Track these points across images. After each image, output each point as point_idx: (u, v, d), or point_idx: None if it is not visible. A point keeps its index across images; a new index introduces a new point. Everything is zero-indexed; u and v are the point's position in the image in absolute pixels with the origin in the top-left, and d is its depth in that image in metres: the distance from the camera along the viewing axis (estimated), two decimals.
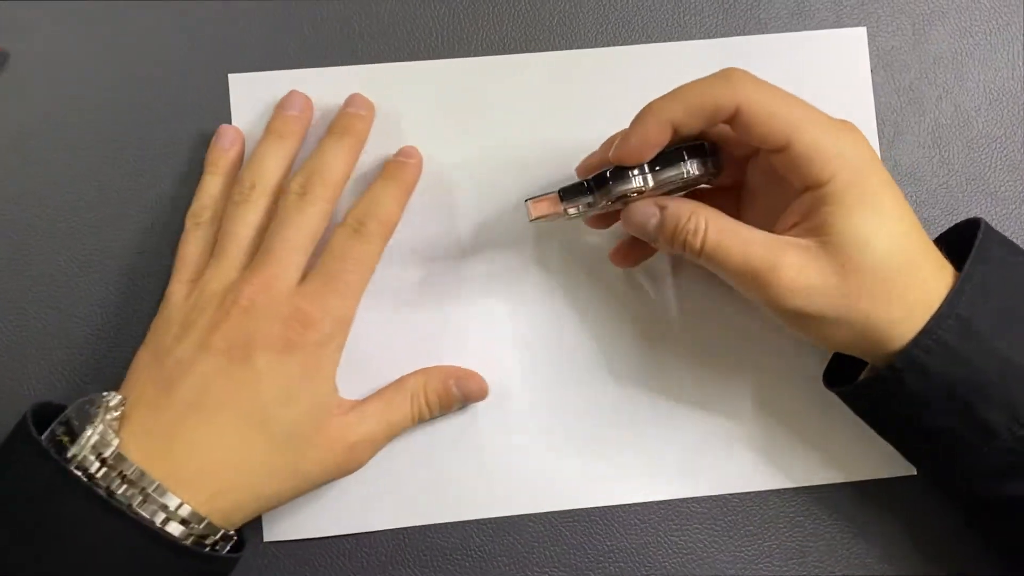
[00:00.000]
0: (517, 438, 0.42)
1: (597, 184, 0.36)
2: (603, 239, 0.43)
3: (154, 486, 0.33)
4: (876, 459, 0.42)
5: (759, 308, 0.38)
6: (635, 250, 0.41)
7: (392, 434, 0.40)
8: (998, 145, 0.44)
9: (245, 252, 0.39)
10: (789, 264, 0.34)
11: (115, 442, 0.34)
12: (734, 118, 0.34)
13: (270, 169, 0.40)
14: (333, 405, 0.38)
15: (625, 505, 0.42)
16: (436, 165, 0.43)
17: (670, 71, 0.42)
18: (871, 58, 0.44)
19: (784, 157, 0.34)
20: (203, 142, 0.42)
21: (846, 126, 0.35)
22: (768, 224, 0.36)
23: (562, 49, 0.43)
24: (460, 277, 0.42)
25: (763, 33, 0.44)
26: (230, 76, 0.43)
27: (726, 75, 0.35)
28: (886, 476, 0.42)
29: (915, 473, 0.42)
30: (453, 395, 0.40)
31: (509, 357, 0.42)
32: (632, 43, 0.44)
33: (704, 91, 0.34)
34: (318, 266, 0.38)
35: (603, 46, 0.43)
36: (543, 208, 0.37)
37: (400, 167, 0.41)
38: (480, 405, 0.42)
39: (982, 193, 0.44)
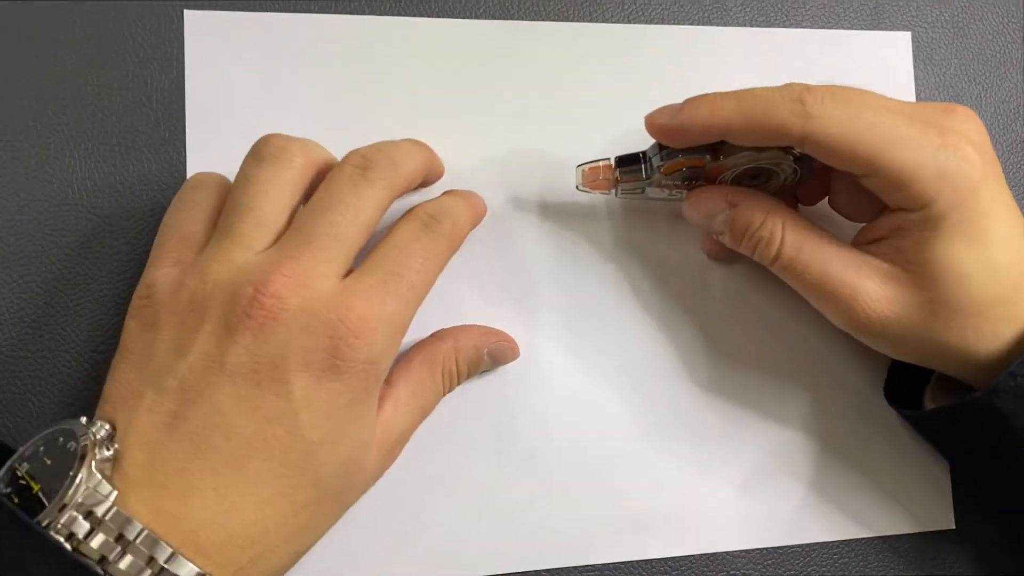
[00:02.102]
0: (533, 485, 0.34)
1: (656, 152, 0.31)
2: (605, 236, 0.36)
3: (167, 555, 0.24)
4: (912, 515, 0.37)
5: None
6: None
7: (423, 419, 0.32)
8: None
9: (265, 230, 0.28)
10: (870, 291, 0.30)
11: (112, 495, 0.24)
12: (803, 144, 0.29)
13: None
14: (376, 412, 0.29)
15: (653, 560, 0.35)
16: (434, 135, 0.35)
17: (700, 57, 0.38)
18: (911, 52, 0.40)
19: (871, 182, 0.30)
20: (145, 93, 0.33)
21: (951, 136, 0.29)
22: (852, 214, 0.32)
23: (582, 21, 0.37)
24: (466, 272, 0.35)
25: (803, 27, 0.39)
26: (186, 12, 0.34)
27: (797, 96, 0.29)
28: (921, 531, 0.38)
29: (952, 527, 0.38)
30: (484, 363, 0.33)
31: (511, 390, 0.35)
32: (661, 23, 0.38)
33: (772, 107, 0.29)
34: (373, 260, 0.28)
35: (635, 23, 0.38)
36: (592, 176, 0.32)
37: (472, 196, 0.33)
38: (489, 437, 0.34)
39: (1022, 201, 0.41)
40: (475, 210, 0.33)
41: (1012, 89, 0.41)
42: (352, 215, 0.28)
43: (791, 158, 0.31)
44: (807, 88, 0.29)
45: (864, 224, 0.32)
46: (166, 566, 0.23)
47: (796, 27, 0.39)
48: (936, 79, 0.40)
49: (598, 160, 0.32)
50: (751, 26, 0.39)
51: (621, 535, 0.35)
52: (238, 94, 0.34)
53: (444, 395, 0.32)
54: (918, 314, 0.30)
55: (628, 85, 0.37)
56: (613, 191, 0.33)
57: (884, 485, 0.37)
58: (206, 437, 0.25)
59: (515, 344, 0.34)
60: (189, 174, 0.33)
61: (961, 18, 0.41)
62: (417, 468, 0.33)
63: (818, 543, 0.37)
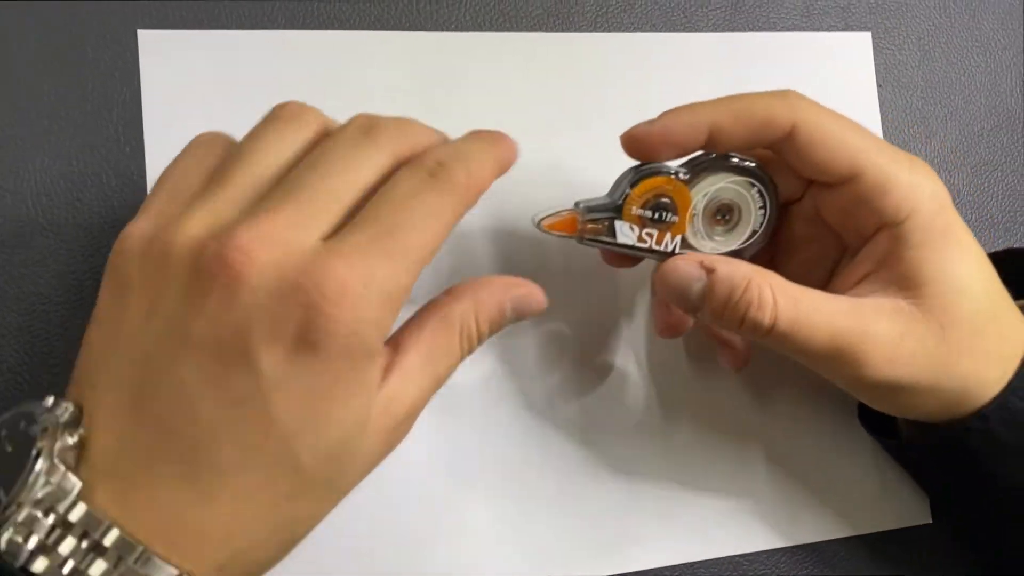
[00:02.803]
0: (515, 503, 0.34)
1: (620, 183, 0.30)
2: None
3: (136, 554, 0.21)
4: (888, 511, 0.38)
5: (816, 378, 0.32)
6: (681, 317, 0.33)
7: (437, 389, 0.27)
8: (1000, 173, 0.42)
9: (258, 189, 0.24)
10: (883, 333, 0.28)
11: (75, 488, 0.21)
12: (789, 140, 0.28)
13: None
14: (376, 388, 0.25)
15: (640, 572, 0.35)
16: None
17: (671, 62, 0.38)
18: (878, 72, 0.40)
19: (851, 189, 0.29)
20: (105, 105, 0.32)
21: (914, 158, 0.30)
22: (814, 284, 0.30)
23: (555, 31, 0.37)
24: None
25: (770, 31, 0.39)
26: (139, 32, 0.33)
27: (781, 92, 0.29)
28: (900, 527, 0.38)
29: (930, 522, 0.38)
30: (506, 319, 0.28)
31: (502, 414, 0.34)
32: (633, 31, 0.38)
33: (756, 101, 0.29)
34: (364, 215, 0.24)
35: (601, 31, 0.37)
36: (553, 217, 0.30)
37: (499, 138, 0.28)
38: (472, 467, 0.34)
39: (987, 223, 0.41)
40: (500, 156, 0.27)
41: (976, 112, 0.42)
42: (348, 173, 0.24)
43: (756, 188, 0.30)
44: (787, 89, 0.29)
45: (841, 271, 0.31)
46: (134, 567, 0.21)
47: (760, 31, 0.39)
48: (903, 101, 0.41)
49: (560, 210, 0.30)
50: (716, 31, 0.39)
51: (604, 548, 0.35)
52: (197, 110, 0.33)
53: (462, 360, 0.28)
54: (932, 345, 0.28)
55: (595, 94, 0.37)
56: (576, 236, 0.30)
57: (859, 483, 0.37)
58: (172, 420, 0.22)
59: (540, 293, 0.29)
60: (149, 190, 0.32)
61: (926, 41, 0.42)
62: (394, 486, 0.33)
63: (794, 546, 0.37)
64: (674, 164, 0.30)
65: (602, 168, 0.36)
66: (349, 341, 0.23)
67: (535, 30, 0.37)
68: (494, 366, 0.34)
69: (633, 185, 0.29)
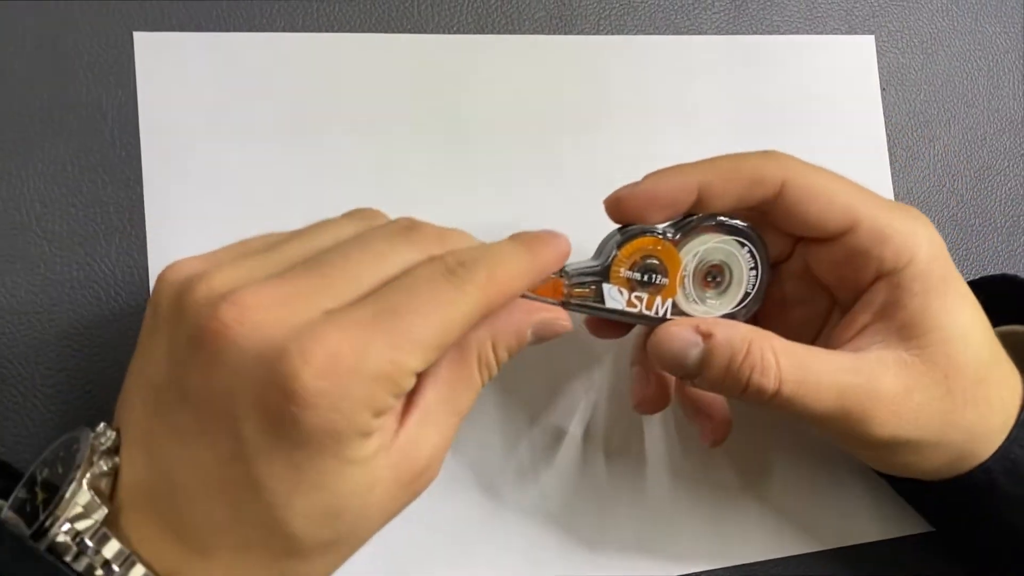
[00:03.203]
0: (518, 510, 0.34)
1: (606, 244, 0.29)
2: None
3: None
4: (891, 519, 0.37)
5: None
6: (661, 391, 0.31)
7: (459, 425, 0.26)
8: (1002, 177, 0.42)
9: (295, 262, 0.24)
10: (890, 388, 0.27)
11: (97, 513, 0.22)
12: (779, 198, 0.28)
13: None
14: (383, 443, 0.23)
15: None
16: (397, 155, 0.34)
17: (674, 65, 0.38)
18: (881, 75, 0.40)
19: (847, 241, 0.28)
20: (100, 109, 0.32)
21: (906, 205, 0.29)
22: (804, 343, 0.29)
23: (557, 34, 0.36)
24: None
25: (773, 34, 0.39)
26: (135, 34, 0.33)
27: (768, 151, 0.28)
28: (903, 535, 0.37)
29: (933, 530, 0.37)
30: (525, 344, 0.27)
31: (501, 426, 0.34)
32: (635, 33, 0.37)
33: (744, 160, 0.28)
34: (372, 295, 0.23)
35: (603, 34, 0.37)
36: (540, 291, 0.28)
37: (541, 241, 0.26)
38: (477, 475, 0.33)
39: (990, 227, 0.41)
40: (538, 261, 0.26)
41: (979, 115, 0.42)
42: (373, 260, 0.24)
43: (747, 248, 0.29)
44: (772, 150, 0.28)
45: (835, 326, 0.30)
46: None
47: (763, 34, 0.39)
48: (906, 105, 0.40)
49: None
50: (719, 34, 0.38)
51: (603, 558, 0.34)
52: (195, 115, 0.32)
53: (480, 389, 0.26)
54: (938, 396, 0.27)
55: (597, 96, 0.37)
56: (561, 301, 0.28)
57: (858, 493, 0.37)
58: (175, 464, 0.22)
59: (565, 316, 0.27)
60: (146, 193, 0.32)
61: (929, 45, 0.41)
62: None
63: (794, 556, 0.36)
64: (660, 226, 0.29)
65: (604, 173, 0.36)
66: (332, 417, 0.21)
67: (537, 32, 0.36)
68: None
69: (620, 246, 0.28)
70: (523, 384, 0.34)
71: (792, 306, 0.32)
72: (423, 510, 0.32)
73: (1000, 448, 0.29)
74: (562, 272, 0.28)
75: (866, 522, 0.37)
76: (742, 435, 0.36)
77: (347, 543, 0.24)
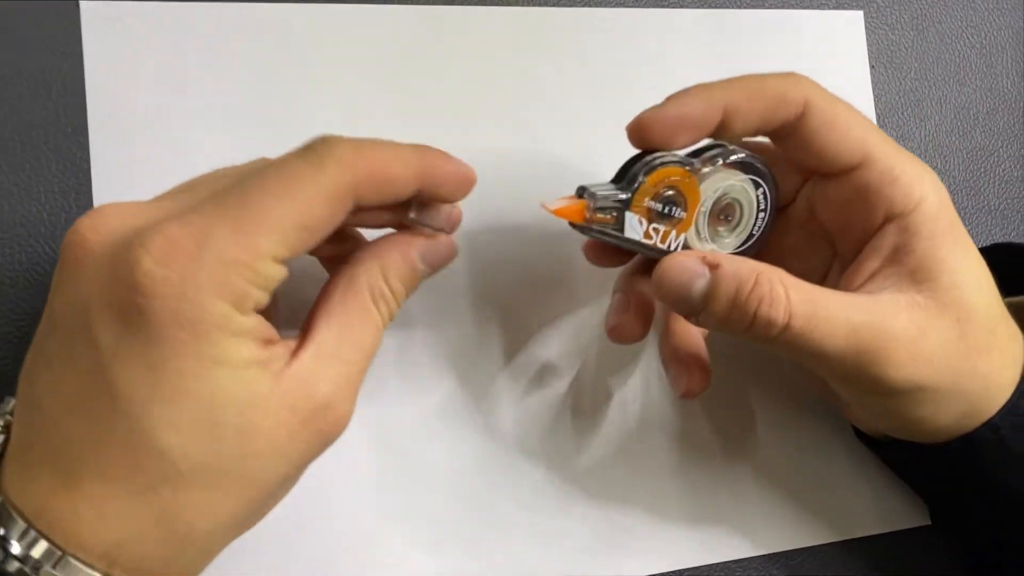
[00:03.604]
0: (499, 510, 0.32)
1: (629, 170, 0.27)
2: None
3: (20, 532, 0.21)
4: (887, 513, 0.36)
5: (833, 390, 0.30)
6: (639, 320, 0.30)
7: (370, 361, 0.25)
8: (996, 158, 0.40)
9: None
10: (904, 328, 0.26)
11: None
12: (799, 121, 0.27)
13: None
14: (264, 360, 0.22)
15: None
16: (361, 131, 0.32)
17: (655, 40, 0.36)
18: (870, 52, 0.39)
19: (858, 177, 0.27)
20: (44, 82, 0.30)
21: (912, 154, 0.29)
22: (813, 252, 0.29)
23: (536, 6, 0.35)
24: None
25: (759, 8, 0.38)
26: (82, 3, 0.31)
27: (790, 73, 0.28)
28: (899, 529, 0.36)
29: (929, 524, 0.36)
30: (420, 272, 0.26)
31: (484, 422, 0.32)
32: (616, 6, 0.36)
33: (768, 80, 0.27)
34: (225, 189, 0.23)
35: (582, 6, 0.35)
36: (559, 203, 0.27)
37: (439, 152, 0.25)
38: (454, 473, 0.31)
39: (984, 210, 0.40)
40: (424, 161, 0.24)
41: (972, 95, 0.40)
42: (247, 168, 0.23)
43: (762, 190, 0.29)
44: (793, 72, 0.28)
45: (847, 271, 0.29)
46: (32, 552, 0.20)
47: (748, 8, 0.37)
48: (896, 83, 0.39)
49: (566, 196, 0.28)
50: (702, 7, 0.37)
51: (593, 555, 0.33)
52: (145, 89, 0.31)
53: (385, 325, 0.25)
54: (953, 340, 0.26)
55: (576, 71, 0.35)
56: (581, 225, 0.27)
57: (857, 486, 0.36)
58: (43, 395, 0.21)
59: (448, 240, 0.27)
60: (94, 172, 0.30)
61: (920, 21, 0.40)
62: (370, 498, 0.30)
63: (793, 550, 0.35)
64: (682, 154, 0.28)
65: (582, 146, 0.34)
66: (179, 306, 0.20)
67: (515, 5, 0.35)
68: (483, 375, 0.32)
69: (647, 173, 0.27)
70: (506, 375, 0.33)
71: (791, 259, 0.30)
72: (407, 503, 0.31)
73: (1008, 403, 0.27)
74: (585, 193, 0.27)
75: (863, 516, 0.36)
76: (736, 429, 0.35)
77: (235, 476, 0.22)
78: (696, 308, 0.26)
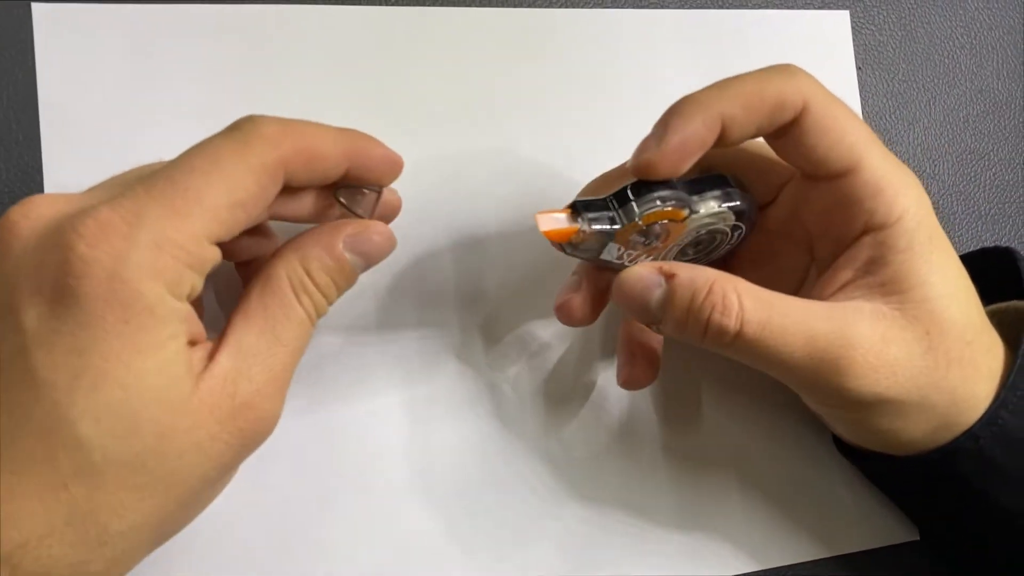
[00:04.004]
0: (476, 523, 0.31)
1: (626, 201, 0.26)
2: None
3: None
4: (874, 528, 0.35)
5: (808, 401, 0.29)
6: (591, 302, 0.29)
7: (298, 357, 0.24)
8: (986, 162, 0.39)
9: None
10: (867, 336, 0.25)
11: None
12: (794, 124, 0.26)
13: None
14: (187, 359, 0.22)
15: None
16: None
17: (638, 41, 0.35)
18: (857, 53, 0.38)
19: (843, 185, 0.26)
20: None
21: (900, 162, 0.28)
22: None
23: (515, 7, 0.34)
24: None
25: (742, 8, 0.36)
26: (33, 5, 0.29)
27: (787, 68, 0.26)
28: (887, 544, 0.35)
29: (917, 539, 0.35)
30: (349, 264, 0.25)
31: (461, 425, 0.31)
32: (597, 7, 0.35)
33: (764, 81, 0.26)
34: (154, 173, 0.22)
35: (564, 7, 0.34)
36: (551, 222, 0.26)
37: (366, 135, 0.25)
38: (437, 483, 0.30)
39: (973, 214, 0.39)
40: (352, 142, 0.24)
41: (961, 97, 0.39)
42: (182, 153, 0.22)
43: (740, 231, 0.28)
44: (790, 64, 0.26)
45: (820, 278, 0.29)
46: None
47: (732, 8, 0.36)
48: (883, 85, 0.38)
49: (559, 214, 0.26)
50: (686, 8, 0.36)
51: (575, 571, 0.32)
52: (100, 94, 0.29)
53: (313, 321, 0.24)
54: (919, 352, 0.26)
55: (557, 72, 0.34)
56: (566, 245, 0.26)
57: (845, 501, 0.35)
58: None
59: (382, 227, 0.25)
60: (46, 180, 0.29)
61: (908, 21, 0.39)
62: (335, 509, 0.29)
63: (781, 567, 0.34)
64: (678, 192, 0.27)
65: (562, 147, 0.33)
66: (112, 287, 0.20)
67: (494, 6, 0.33)
68: (466, 383, 0.31)
69: (646, 213, 0.26)
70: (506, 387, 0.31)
71: (769, 259, 0.30)
72: (389, 505, 0.30)
73: (987, 413, 0.27)
74: (579, 218, 0.26)
75: (851, 532, 0.35)
76: (723, 443, 0.34)
77: (153, 476, 0.21)
78: (656, 318, 0.26)
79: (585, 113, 0.34)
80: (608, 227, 0.26)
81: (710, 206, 0.27)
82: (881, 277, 0.26)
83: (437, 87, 0.33)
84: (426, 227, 0.31)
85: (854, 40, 0.38)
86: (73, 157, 0.29)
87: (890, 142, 0.38)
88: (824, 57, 0.37)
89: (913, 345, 0.26)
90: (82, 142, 0.29)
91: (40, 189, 0.29)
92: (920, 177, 0.37)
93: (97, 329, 0.20)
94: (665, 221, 0.26)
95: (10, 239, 0.21)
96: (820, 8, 0.37)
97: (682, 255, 0.29)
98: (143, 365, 0.21)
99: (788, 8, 0.37)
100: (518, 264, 0.32)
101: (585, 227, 0.26)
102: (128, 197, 0.21)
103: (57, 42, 0.29)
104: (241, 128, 0.22)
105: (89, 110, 0.29)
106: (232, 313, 0.24)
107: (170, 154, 0.23)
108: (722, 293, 0.25)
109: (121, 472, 0.20)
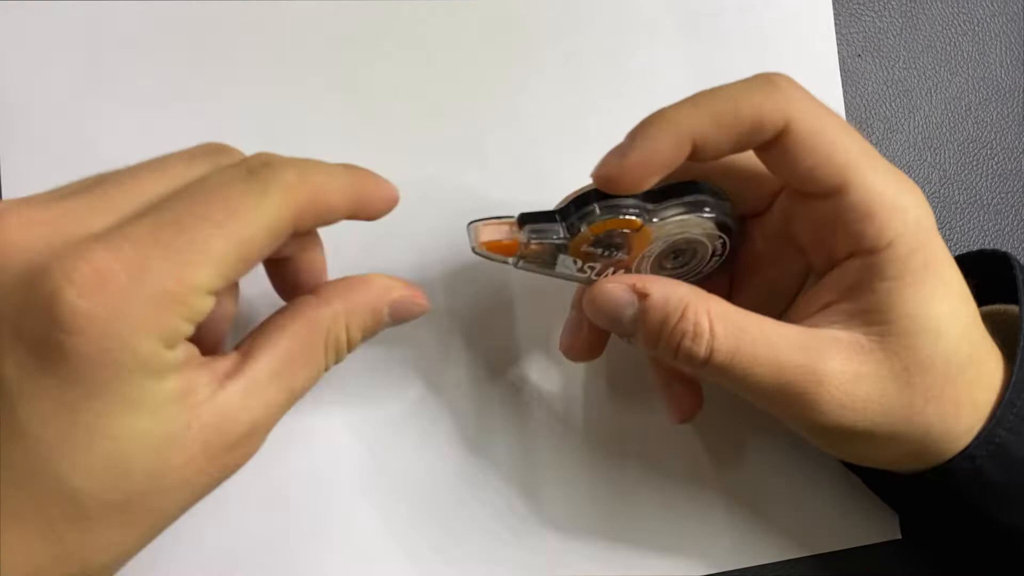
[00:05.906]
0: (451, 528, 0.30)
1: (576, 209, 0.25)
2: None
3: None
4: (856, 527, 0.34)
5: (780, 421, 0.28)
6: (595, 339, 0.29)
7: (292, 404, 0.23)
8: (989, 151, 0.38)
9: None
10: (837, 372, 0.24)
11: None
12: (777, 141, 0.24)
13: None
14: (184, 392, 0.21)
15: None
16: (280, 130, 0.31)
17: (611, 24, 0.34)
18: (856, 40, 0.37)
19: (831, 205, 0.25)
20: None
21: (904, 176, 0.26)
22: (769, 310, 0.26)
23: None
24: None
25: None
26: None
27: (768, 81, 0.24)
28: (869, 543, 0.35)
29: (899, 538, 0.35)
30: (382, 325, 0.25)
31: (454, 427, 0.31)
32: None
33: (742, 96, 0.24)
34: (152, 206, 0.21)
35: None
36: (493, 234, 0.25)
37: (367, 172, 0.24)
38: (411, 489, 0.30)
39: (976, 204, 0.38)
40: (359, 185, 0.23)
41: (963, 85, 0.38)
42: (166, 177, 0.21)
43: (722, 240, 0.27)
44: (775, 74, 0.25)
45: (803, 294, 0.28)
46: None
47: None
48: (884, 73, 0.37)
49: (501, 217, 0.26)
50: None
51: (561, 565, 0.32)
52: (55, 87, 0.29)
53: (327, 370, 0.24)
54: (894, 389, 0.25)
55: (530, 56, 0.33)
56: (512, 259, 0.26)
57: (826, 500, 0.34)
58: None
59: (422, 297, 0.26)
60: (4, 178, 0.28)
61: (909, 7, 0.38)
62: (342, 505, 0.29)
63: (760, 566, 0.33)
64: (637, 200, 0.26)
65: (531, 149, 0.32)
66: (105, 345, 0.19)
67: None
68: (445, 389, 0.31)
69: (590, 224, 0.25)
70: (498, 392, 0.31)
71: (765, 267, 0.29)
72: (379, 512, 0.29)
73: (983, 432, 0.26)
74: (522, 230, 0.25)
75: (831, 530, 0.34)
76: (703, 443, 0.33)
77: (140, 512, 0.21)
78: (628, 333, 0.26)
79: (556, 103, 0.33)
80: (552, 240, 0.25)
81: (672, 214, 0.26)
82: (864, 304, 0.25)
83: (402, 72, 0.32)
84: (397, 239, 0.31)
85: (854, 27, 0.37)
86: (30, 153, 0.29)
87: (890, 131, 0.37)
88: (806, 40, 0.36)
89: (888, 383, 0.25)
90: (38, 136, 0.29)
91: None
92: (921, 166, 0.37)
93: (88, 386, 0.19)
94: (625, 231, 0.25)
95: None
96: None
97: (660, 267, 0.27)
98: (136, 418, 0.20)
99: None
100: (504, 272, 0.32)
101: (524, 238, 0.25)
102: (128, 239, 0.19)
103: (7, 37, 0.29)
104: (258, 175, 0.21)
105: (44, 103, 0.29)
106: (258, 332, 0.23)
107: (127, 152, 0.23)
108: (694, 319, 0.24)
109: (111, 513, 0.20)
